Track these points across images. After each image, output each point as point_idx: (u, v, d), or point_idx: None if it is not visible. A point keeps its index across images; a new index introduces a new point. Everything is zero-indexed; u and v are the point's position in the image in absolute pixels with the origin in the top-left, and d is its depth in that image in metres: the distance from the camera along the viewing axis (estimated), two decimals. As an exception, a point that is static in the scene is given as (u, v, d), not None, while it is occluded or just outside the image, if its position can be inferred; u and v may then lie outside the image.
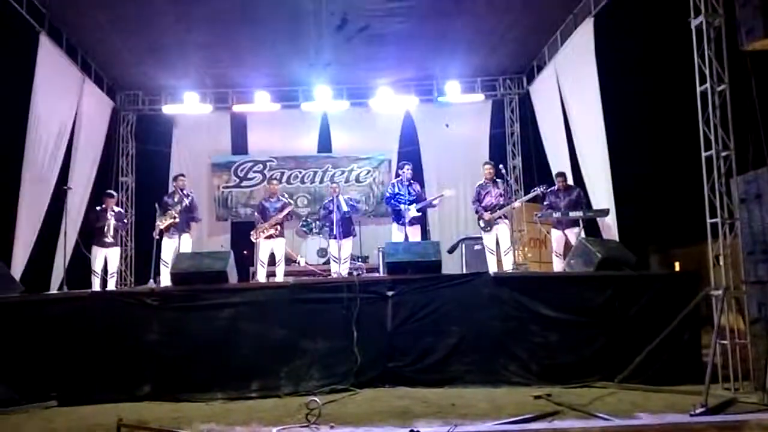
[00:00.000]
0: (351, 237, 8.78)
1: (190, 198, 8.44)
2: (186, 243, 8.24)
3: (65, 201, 7.95)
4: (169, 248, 8.22)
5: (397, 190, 8.49)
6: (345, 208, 8.62)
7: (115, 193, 9.09)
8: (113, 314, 5.97)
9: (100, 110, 10.58)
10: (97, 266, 8.26)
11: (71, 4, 8.32)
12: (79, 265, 8.26)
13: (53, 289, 8.43)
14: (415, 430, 3.41)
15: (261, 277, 8.49)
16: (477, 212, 8.22)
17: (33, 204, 8.27)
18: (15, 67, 8.04)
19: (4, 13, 7.61)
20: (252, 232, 8.63)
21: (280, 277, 8.51)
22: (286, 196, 9.13)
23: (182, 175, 8.82)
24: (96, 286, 8.10)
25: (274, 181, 9.33)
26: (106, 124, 10.84)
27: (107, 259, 8.37)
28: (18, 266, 7.89)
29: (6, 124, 7.98)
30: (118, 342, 5.88)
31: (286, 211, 8.57)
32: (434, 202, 8.93)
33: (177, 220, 8.18)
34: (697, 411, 4.44)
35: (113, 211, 8.54)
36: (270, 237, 8.48)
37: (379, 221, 11.41)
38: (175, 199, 8.33)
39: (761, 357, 5.06)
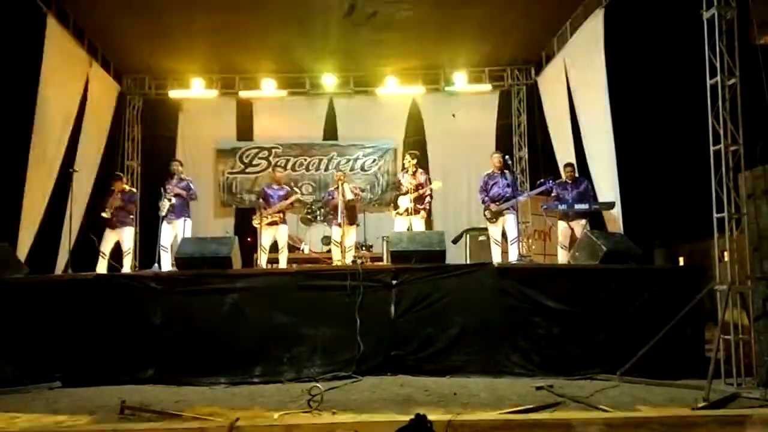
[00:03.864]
0: (355, 225, 8.77)
1: (185, 182, 8.45)
2: (184, 228, 8.25)
3: (71, 183, 7.95)
4: (168, 234, 8.23)
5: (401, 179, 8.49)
6: (350, 196, 8.60)
7: (121, 174, 9.04)
8: (118, 297, 6.01)
9: (106, 93, 10.57)
10: (105, 248, 8.22)
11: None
12: (87, 248, 8.27)
13: (59, 271, 8.46)
14: (421, 414, 3.40)
15: (263, 263, 8.47)
16: (483, 203, 8.04)
17: (38, 186, 8.28)
18: (23, 48, 8.01)
19: (11, -7, 7.60)
20: (254, 217, 8.61)
21: (283, 264, 8.51)
22: (292, 184, 9.09)
23: (176, 160, 8.85)
24: (102, 268, 8.11)
25: (279, 169, 9.35)
26: (112, 108, 10.84)
27: (118, 240, 8.32)
28: (23, 248, 7.92)
29: (14, 105, 7.97)
30: (122, 325, 5.92)
31: (291, 199, 8.55)
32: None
33: (173, 203, 8.18)
34: (700, 405, 4.45)
35: (120, 192, 8.46)
36: (273, 224, 8.47)
37: (384, 210, 11.37)
38: (173, 183, 8.35)
39: (764, 353, 5.06)
